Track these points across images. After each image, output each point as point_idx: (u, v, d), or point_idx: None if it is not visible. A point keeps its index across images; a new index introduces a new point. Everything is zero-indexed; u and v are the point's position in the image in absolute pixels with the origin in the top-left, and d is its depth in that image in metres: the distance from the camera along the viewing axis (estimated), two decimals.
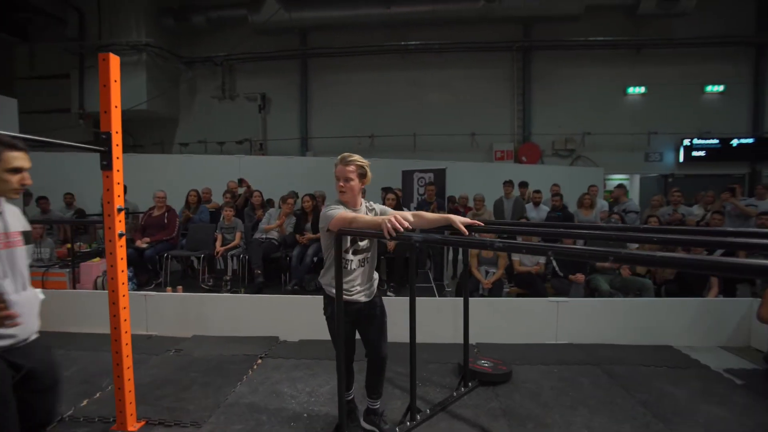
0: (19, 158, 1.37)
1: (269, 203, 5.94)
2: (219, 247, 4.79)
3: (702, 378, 2.90)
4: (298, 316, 3.71)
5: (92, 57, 9.64)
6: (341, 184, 1.99)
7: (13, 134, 1.80)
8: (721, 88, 9.61)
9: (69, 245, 5.02)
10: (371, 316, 2.13)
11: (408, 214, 2.05)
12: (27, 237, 1.47)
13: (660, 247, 3.40)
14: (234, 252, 4.85)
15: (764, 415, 2.42)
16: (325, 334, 3.49)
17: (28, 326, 1.43)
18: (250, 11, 9.46)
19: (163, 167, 7.56)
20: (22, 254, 1.44)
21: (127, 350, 2.28)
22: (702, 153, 9.58)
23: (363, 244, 2.06)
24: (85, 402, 2.56)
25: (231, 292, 4.51)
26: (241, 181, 6.33)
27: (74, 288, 4.42)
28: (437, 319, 3.55)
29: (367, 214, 2.06)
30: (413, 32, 9.82)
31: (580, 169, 9.48)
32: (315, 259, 4.57)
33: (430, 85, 10.30)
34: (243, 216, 5.40)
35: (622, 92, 10.02)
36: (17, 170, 1.36)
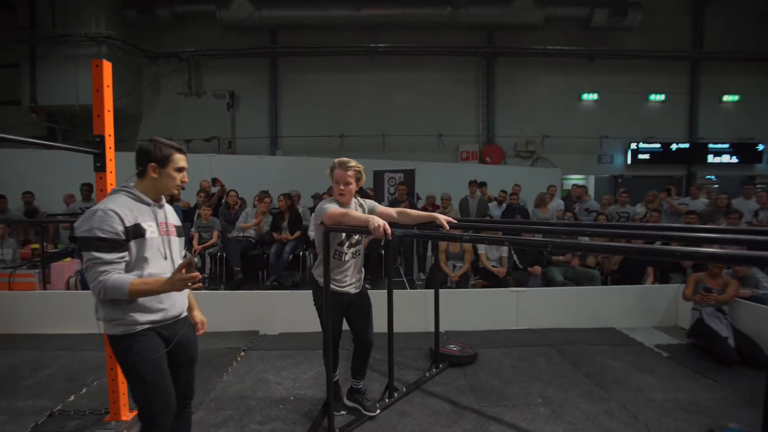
0: (183, 159, 1.60)
1: (242, 202, 6.01)
2: (196, 246, 4.84)
3: (637, 353, 3.36)
4: (278, 311, 3.88)
5: (45, 47, 9.17)
6: (341, 187, 2.15)
7: (19, 138, 1.89)
8: (662, 97, 10.55)
9: (34, 246, 4.89)
10: (360, 305, 2.33)
11: (393, 211, 2.29)
12: (179, 231, 1.67)
13: (608, 239, 3.86)
14: (211, 250, 4.92)
15: (682, 379, 2.89)
16: (304, 327, 3.70)
17: (179, 304, 1.59)
18: (218, 7, 9.35)
19: (131, 166, 7.34)
20: (176, 243, 1.62)
21: None
22: (647, 156, 10.48)
23: (356, 237, 2.24)
24: (72, 397, 2.63)
25: (209, 290, 4.59)
26: (214, 181, 6.34)
27: (44, 289, 4.34)
28: (410, 310, 3.83)
29: (356, 209, 2.26)
30: (383, 34, 10.06)
31: (540, 169, 10.10)
32: (291, 256, 4.74)
33: (398, 86, 10.59)
34: (218, 215, 5.45)
35: (577, 98, 10.75)
36: (181, 169, 1.59)
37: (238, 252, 4.67)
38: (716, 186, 10.51)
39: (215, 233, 4.97)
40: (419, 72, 10.53)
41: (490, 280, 4.85)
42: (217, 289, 4.61)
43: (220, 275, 4.92)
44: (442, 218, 2.21)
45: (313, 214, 2.22)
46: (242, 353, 3.34)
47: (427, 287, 4.87)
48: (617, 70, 10.46)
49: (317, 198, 5.37)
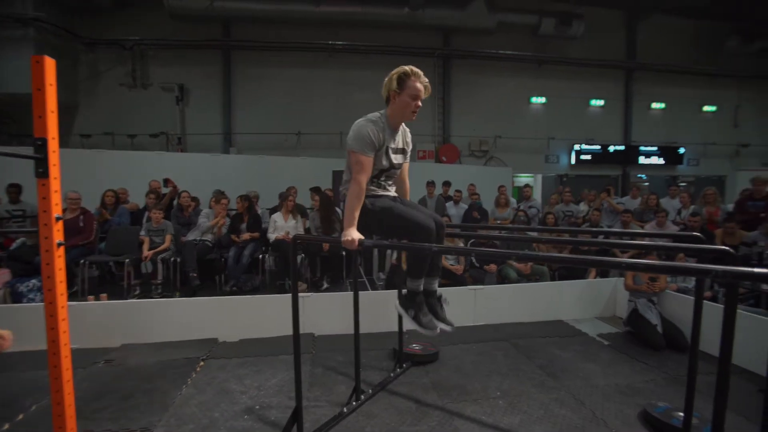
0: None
1: (196, 203, 5.75)
2: (147, 251, 4.57)
3: (582, 343, 3.66)
4: (237, 317, 3.79)
5: None
6: (419, 104, 1.95)
7: None
8: (602, 102, 11.40)
9: None
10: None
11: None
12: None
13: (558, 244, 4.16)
14: (164, 255, 4.67)
15: (620, 365, 3.20)
16: (266, 332, 3.66)
17: None
18: None
19: (66, 163, 6.72)
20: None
21: (67, 363, 2.23)
22: (588, 157, 11.29)
23: (397, 159, 2.09)
24: (6, 426, 2.41)
25: (163, 297, 4.37)
26: (166, 181, 6.00)
27: None
28: (373, 311, 3.89)
29: (405, 139, 2.14)
30: (341, 32, 9.98)
31: (493, 168, 10.55)
32: (251, 259, 4.63)
33: (357, 84, 10.55)
34: (170, 217, 5.18)
35: (526, 101, 11.32)
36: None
37: (194, 256, 4.48)
38: (646, 184, 11.57)
39: (168, 237, 4.73)
40: (378, 71, 10.27)
41: (448, 278, 5.02)
42: (170, 296, 4.40)
43: (175, 282, 4.69)
44: None
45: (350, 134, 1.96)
46: (201, 363, 3.23)
47: (387, 287, 4.96)
48: (563, 76, 11.15)
49: (283, 199, 5.25)
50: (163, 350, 3.44)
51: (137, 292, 4.64)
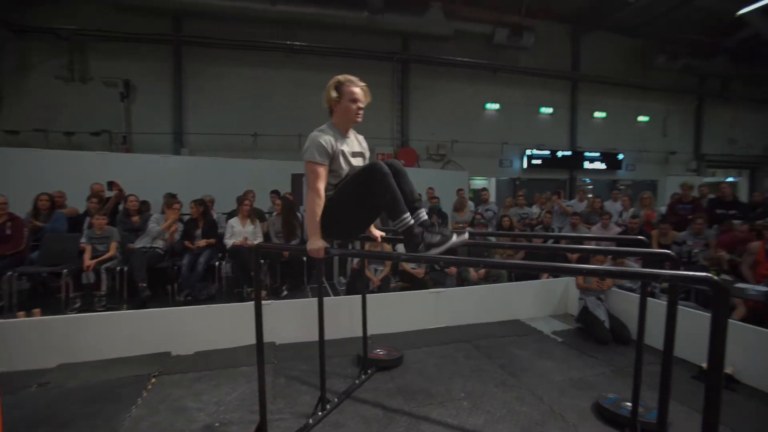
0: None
1: (144, 207, 5.38)
2: (89, 260, 4.20)
3: (538, 341, 3.84)
4: (192, 328, 3.59)
5: None
6: (361, 105, 2.05)
7: None
8: (550, 110, 12.08)
9: None
10: None
11: None
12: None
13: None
14: (109, 264, 4.31)
15: (573, 360, 3.39)
16: (223, 343, 3.52)
17: None
18: None
19: None
20: None
21: None
22: (539, 161, 11.90)
23: (357, 163, 2.13)
24: None
25: (108, 310, 4.04)
26: (111, 184, 5.55)
27: None
28: (336, 317, 3.84)
29: (360, 144, 2.21)
30: (300, 32, 9.81)
31: (450, 172, 10.81)
32: (206, 266, 4.41)
33: (315, 86, 10.25)
34: (115, 223, 4.80)
35: (481, 107, 11.74)
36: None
37: (144, 265, 4.17)
38: (590, 187, 12.40)
39: (113, 245, 4.38)
40: (337, 73, 10.34)
41: (409, 281, 5.08)
42: (117, 309, 4.08)
43: (121, 293, 4.34)
44: (377, 232, 2.28)
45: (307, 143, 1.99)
46: (153, 380, 3.03)
47: (348, 292, 4.92)
48: (515, 84, 11.68)
49: (240, 203, 5.04)
50: (109, 368, 3.18)
51: (78, 305, 4.25)
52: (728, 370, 2.93)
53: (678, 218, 5.32)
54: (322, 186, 1.96)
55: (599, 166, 12.38)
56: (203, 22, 9.28)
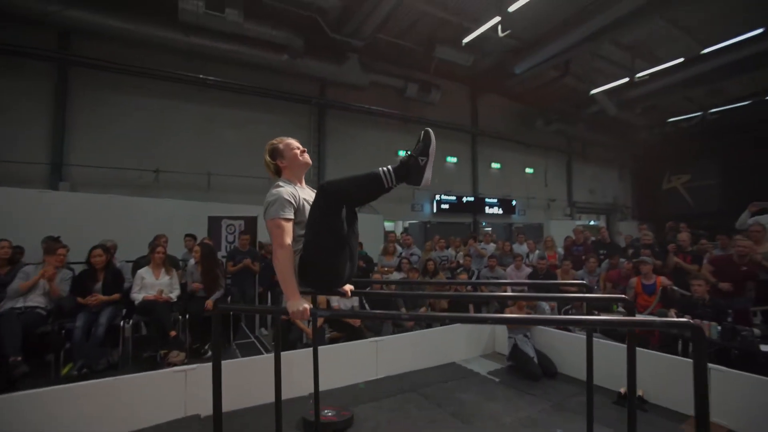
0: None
1: (17, 255, 4.30)
2: None
3: (478, 383, 3.96)
4: (85, 408, 2.90)
5: None
6: (303, 148, 2.11)
7: None
8: (455, 159, 13.34)
9: None
10: None
11: None
12: None
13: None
14: None
15: (515, 399, 3.57)
16: (131, 424, 2.93)
17: None
18: None
19: None
20: None
21: None
22: (447, 206, 12.88)
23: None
24: None
25: None
26: None
27: None
28: (270, 376, 3.46)
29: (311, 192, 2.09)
30: (214, 67, 9.35)
31: (366, 215, 10.99)
32: (108, 327, 3.64)
33: (227, 123, 9.92)
34: None
35: (395, 154, 12.39)
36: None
37: (18, 332, 3.23)
38: (488, 230, 13.75)
39: None
40: (252, 111, 10.18)
41: (344, 330, 4.89)
42: None
43: None
44: (346, 287, 2.17)
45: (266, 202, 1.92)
46: None
47: (276, 345, 4.50)
48: None
49: (153, 250, 4.31)
50: None
51: None
52: (639, 392, 3.37)
53: (574, 258, 6.17)
54: (290, 241, 1.88)
55: (497, 211, 13.87)
56: (98, 42, 8.26)
